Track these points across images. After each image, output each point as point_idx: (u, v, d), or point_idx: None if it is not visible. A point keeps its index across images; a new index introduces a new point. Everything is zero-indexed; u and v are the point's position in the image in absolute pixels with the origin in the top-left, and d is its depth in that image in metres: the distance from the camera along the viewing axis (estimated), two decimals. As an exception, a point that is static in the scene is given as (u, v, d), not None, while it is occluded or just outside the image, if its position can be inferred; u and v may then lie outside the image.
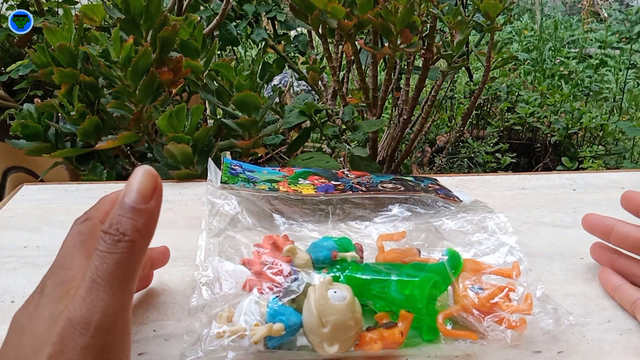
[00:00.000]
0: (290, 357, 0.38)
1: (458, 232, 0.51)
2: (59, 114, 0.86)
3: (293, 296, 0.39)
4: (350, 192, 0.57)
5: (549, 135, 2.04)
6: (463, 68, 2.11)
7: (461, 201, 0.57)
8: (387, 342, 0.37)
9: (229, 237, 0.48)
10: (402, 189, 0.58)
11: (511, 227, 0.51)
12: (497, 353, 0.39)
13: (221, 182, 0.55)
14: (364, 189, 0.58)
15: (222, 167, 0.59)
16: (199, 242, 0.46)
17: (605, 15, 4.37)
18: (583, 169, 1.79)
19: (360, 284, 0.40)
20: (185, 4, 1.20)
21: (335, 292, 0.37)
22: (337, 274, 0.41)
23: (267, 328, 0.36)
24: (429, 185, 0.61)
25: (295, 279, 0.40)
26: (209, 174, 0.56)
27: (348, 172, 0.64)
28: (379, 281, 0.40)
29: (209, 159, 0.60)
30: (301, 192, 0.56)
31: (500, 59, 1.30)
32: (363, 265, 0.43)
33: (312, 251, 0.44)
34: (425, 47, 1.14)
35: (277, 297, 0.39)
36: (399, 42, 0.99)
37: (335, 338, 0.36)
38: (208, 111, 1.28)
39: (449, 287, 0.42)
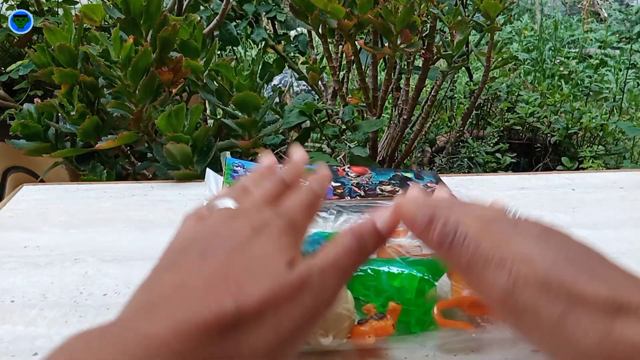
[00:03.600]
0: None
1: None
2: (59, 114, 0.86)
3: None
4: (349, 197, 0.57)
5: (549, 135, 2.04)
6: (463, 68, 2.11)
7: (461, 201, 0.58)
8: (378, 333, 0.38)
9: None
10: (401, 192, 0.59)
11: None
12: (495, 351, 0.39)
13: (223, 187, 0.55)
14: (362, 192, 0.58)
15: (224, 168, 0.59)
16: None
17: (605, 15, 4.37)
18: (583, 169, 1.79)
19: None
20: (185, 4, 1.21)
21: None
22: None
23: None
24: (428, 183, 0.61)
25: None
26: (207, 184, 0.56)
27: (349, 170, 0.64)
28: (369, 273, 0.41)
29: (207, 169, 0.59)
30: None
31: (500, 59, 1.30)
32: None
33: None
34: (425, 47, 1.14)
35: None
36: (399, 42, 1.00)
37: (329, 329, 0.36)
38: (208, 111, 1.28)
39: (448, 280, 0.42)
